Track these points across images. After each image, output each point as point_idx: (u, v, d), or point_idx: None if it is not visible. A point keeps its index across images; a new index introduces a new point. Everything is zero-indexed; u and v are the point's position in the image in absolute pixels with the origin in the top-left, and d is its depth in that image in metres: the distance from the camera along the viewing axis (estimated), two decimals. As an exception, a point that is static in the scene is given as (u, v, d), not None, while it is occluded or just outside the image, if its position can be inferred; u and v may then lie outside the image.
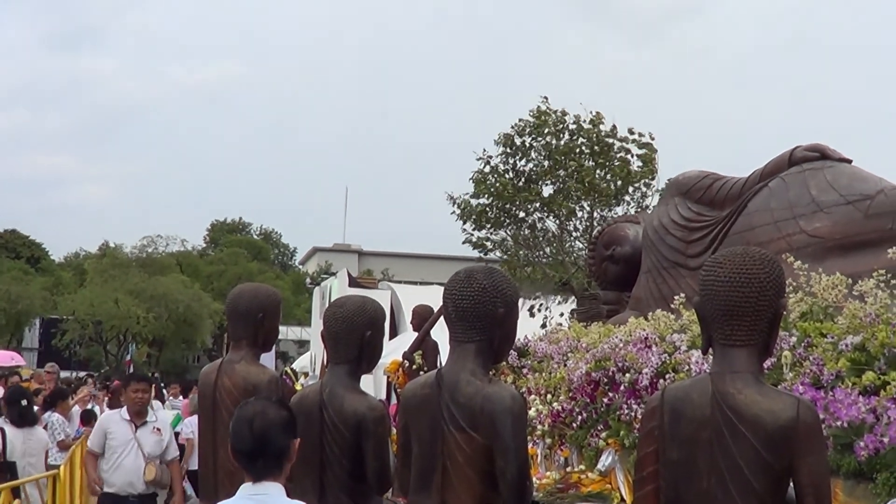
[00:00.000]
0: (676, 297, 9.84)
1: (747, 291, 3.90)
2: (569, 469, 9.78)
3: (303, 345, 65.19)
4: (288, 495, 4.57)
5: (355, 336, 5.83)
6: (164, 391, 21.13)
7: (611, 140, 28.41)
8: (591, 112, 28.61)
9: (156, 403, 17.93)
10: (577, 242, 28.93)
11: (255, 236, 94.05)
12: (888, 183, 10.11)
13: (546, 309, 28.31)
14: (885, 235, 9.32)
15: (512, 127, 28.60)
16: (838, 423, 6.64)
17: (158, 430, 10.75)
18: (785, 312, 8.10)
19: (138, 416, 10.59)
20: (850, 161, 11.01)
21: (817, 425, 3.87)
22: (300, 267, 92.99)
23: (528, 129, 28.46)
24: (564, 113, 28.52)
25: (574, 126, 28.47)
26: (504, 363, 11.35)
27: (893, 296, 7.54)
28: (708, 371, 4.08)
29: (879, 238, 9.34)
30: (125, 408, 10.82)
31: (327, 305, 6.27)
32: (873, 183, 10.15)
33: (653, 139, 28.53)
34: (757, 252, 4.04)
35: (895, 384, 6.52)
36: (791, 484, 3.91)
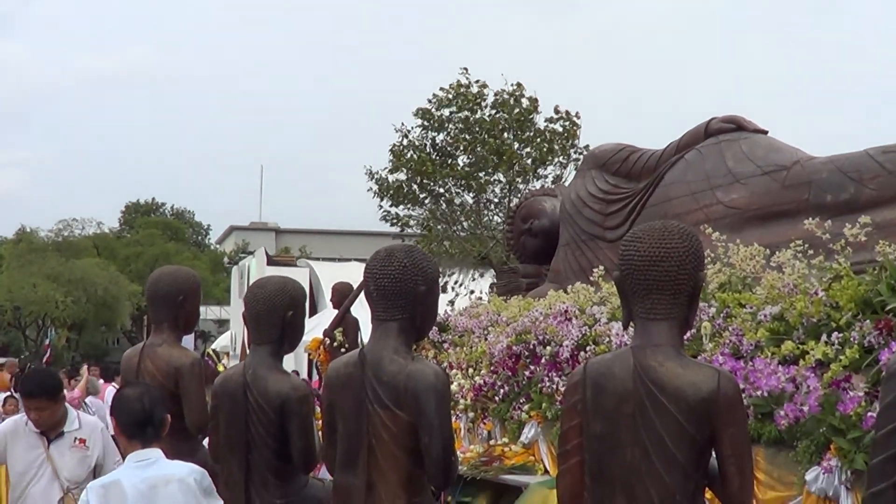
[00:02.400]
0: (595, 270, 9.89)
1: (667, 266, 3.92)
2: (492, 442, 9.83)
3: (222, 324, 64.89)
4: (212, 476, 5.40)
5: (276, 317, 5.84)
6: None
7: (532, 115, 28.53)
8: (511, 84, 28.71)
9: (89, 399, 17.17)
10: (494, 217, 29.01)
11: (168, 216, 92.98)
12: (804, 153, 10.21)
13: (459, 285, 28.40)
14: (801, 206, 9.43)
15: (429, 101, 28.62)
16: (758, 393, 6.72)
17: (82, 441, 7.07)
18: (704, 284, 8.21)
19: (51, 428, 7.02)
20: (765, 132, 11.11)
21: (738, 397, 3.91)
22: (217, 246, 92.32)
23: (445, 102, 28.48)
24: (484, 86, 28.57)
25: (494, 99, 28.52)
26: (426, 338, 11.37)
27: (811, 266, 7.62)
28: (629, 345, 4.10)
29: (796, 208, 9.45)
30: None
31: (247, 285, 6.27)
32: (789, 153, 10.24)
33: (578, 117, 28.73)
34: (675, 226, 4.06)
35: (813, 354, 6.60)
36: (713, 454, 3.95)
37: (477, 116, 28.38)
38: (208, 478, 5.52)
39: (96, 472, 6.92)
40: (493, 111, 28.52)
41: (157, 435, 5.34)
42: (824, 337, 6.74)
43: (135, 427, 5.28)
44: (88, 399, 16.83)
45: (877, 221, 8.21)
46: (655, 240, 3.97)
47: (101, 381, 20.34)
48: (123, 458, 5.37)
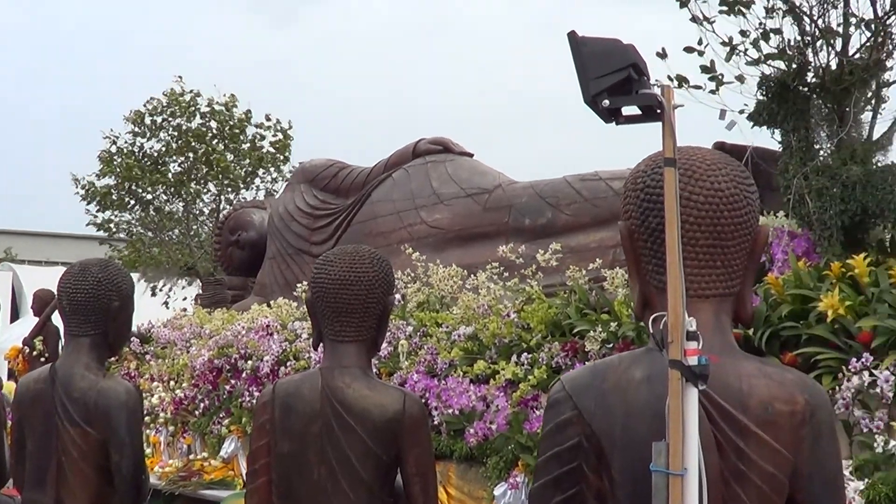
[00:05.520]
0: (299, 285, 9.97)
1: (356, 290, 4.02)
2: (192, 456, 9.79)
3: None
4: None
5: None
6: None
7: (245, 125, 28.41)
8: (224, 95, 28.54)
9: None
10: (203, 226, 28.73)
11: None
12: (506, 178, 10.49)
13: (171, 290, 28.06)
14: (501, 229, 9.69)
15: (144, 105, 28.20)
16: (450, 411, 6.90)
17: None
18: (403, 302, 8.38)
19: None
20: (471, 155, 11.39)
21: (423, 418, 4.02)
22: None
23: (159, 109, 28.09)
24: (198, 94, 28.30)
25: (207, 109, 28.28)
26: (128, 349, 11.26)
27: (505, 288, 7.85)
28: (318, 366, 4.19)
29: (496, 231, 9.71)
30: None
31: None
32: (492, 177, 10.52)
33: (290, 127, 28.77)
34: (366, 251, 4.16)
35: (504, 373, 6.82)
36: (399, 473, 4.06)
37: (191, 125, 28.10)
38: None
39: None
40: (205, 120, 28.29)
41: None
42: (515, 357, 6.98)
43: None
44: None
45: (571, 246, 8.54)
46: (346, 264, 4.06)
47: None
48: None
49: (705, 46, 6.82)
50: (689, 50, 6.82)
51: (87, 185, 28.06)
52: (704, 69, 6.83)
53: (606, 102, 2.40)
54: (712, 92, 6.85)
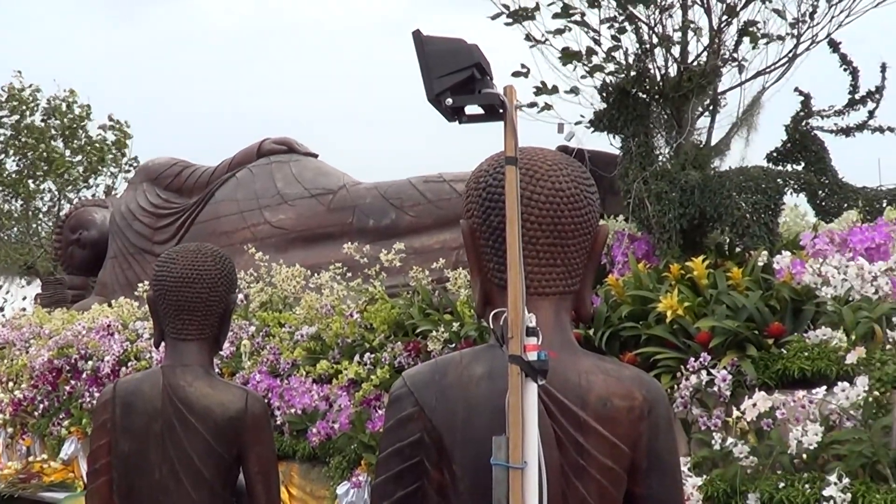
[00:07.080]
0: (141, 284, 9.87)
1: (198, 288, 4.00)
2: (31, 458, 9.64)
3: None
4: None
5: None
6: None
7: (84, 123, 27.91)
8: (65, 91, 28.02)
9: None
10: (43, 225, 28.18)
11: None
12: (351, 178, 10.52)
13: (6, 292, 27.49)
14: (345, 229, 9.72)
15: None
16: (293, 410, 6.90)
17: None
18: (246, 302, 8.36)
19: None
20: (316, 156, 11.40)
21: (265, 416, 4.02)
22: None
23: (-1, 104, 27.47)
24: (38, 90, 27.73)
25: (46, 105, 27.73)
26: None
27: (349, 288, 7.88)
28: (160, 364, 4.15)
29: (340, 231, 9.74)
30: None
31: None
32: (336, 178, 10.54)
33: (128, 126, 28.36)
34: (209, 248, 4.14)
35: (347, 373, 6.84)
36: (241, 472, 4.04)
37: (28, 122, 27.49)
38: None
39: None
40: (45, 117, 27.72)
41: None
42: (358, 357, 7.00)
43: None
44: None
45: (415, 247, 8.60)
46: (188, 261, 4.04)
47: None
48: None
49: (527, 73, 6.95)
50: (516, 74, 6.94)
51: (-78, 182, 27.33)
52: (538, 90, 6.94)
53: (450, 101, 2.42)
54: (547, 107, 6.97)
